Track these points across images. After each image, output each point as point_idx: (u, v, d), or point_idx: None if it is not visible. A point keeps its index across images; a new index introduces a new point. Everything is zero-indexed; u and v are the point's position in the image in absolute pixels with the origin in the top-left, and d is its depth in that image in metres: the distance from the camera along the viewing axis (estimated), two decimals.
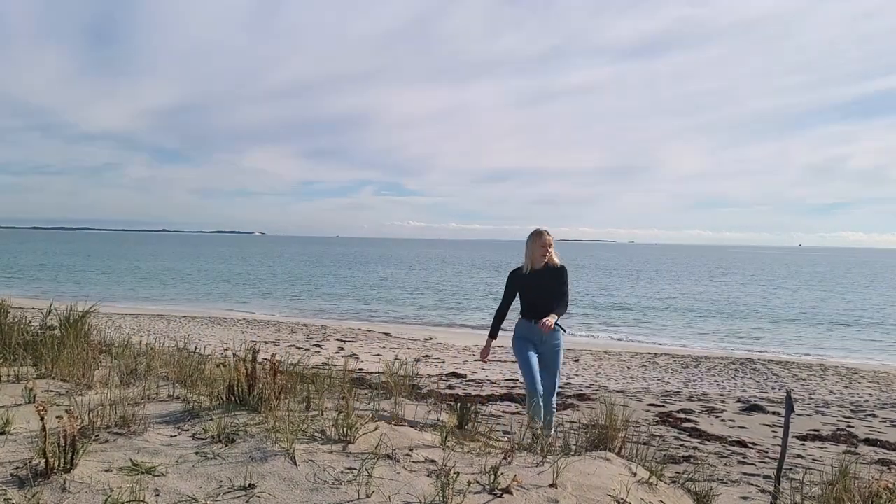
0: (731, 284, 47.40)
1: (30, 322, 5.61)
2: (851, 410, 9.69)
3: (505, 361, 14.21)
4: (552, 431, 4.49)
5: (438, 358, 14.31)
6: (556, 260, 4.86)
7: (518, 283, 4.92)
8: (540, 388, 4.64)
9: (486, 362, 4.71)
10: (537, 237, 4.83)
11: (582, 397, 9.58)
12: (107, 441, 3.08)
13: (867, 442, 7.52)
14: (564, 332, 4.95)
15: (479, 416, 4.19)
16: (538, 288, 4.82)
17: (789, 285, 47.76)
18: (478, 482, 2.85)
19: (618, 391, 10.63)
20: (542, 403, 4.61)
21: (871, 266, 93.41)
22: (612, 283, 47.00)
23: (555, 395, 4.87)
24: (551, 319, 4.61)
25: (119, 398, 3.52)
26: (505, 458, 3.14)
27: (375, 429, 3.39)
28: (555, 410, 4.89)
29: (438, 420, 3.90)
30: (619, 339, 20.47)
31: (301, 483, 2.71)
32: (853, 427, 8.39)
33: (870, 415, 9.34)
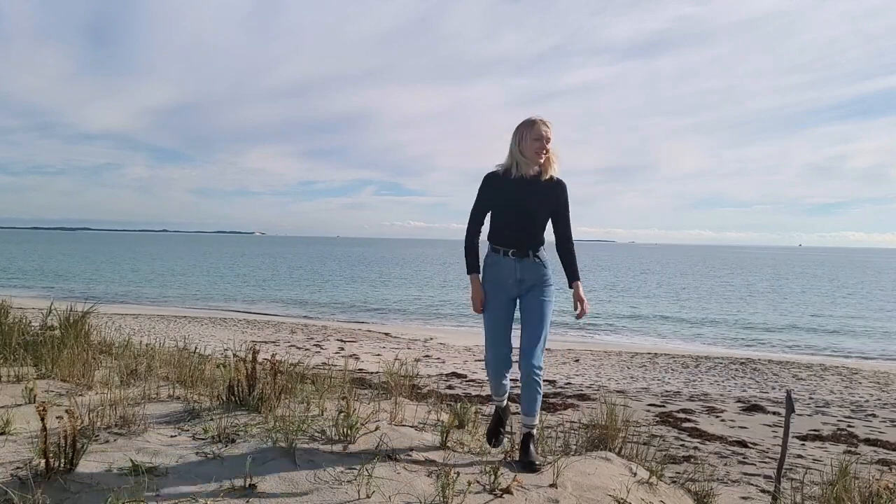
0: (736, 287, 47.20)
1: (30, 322, 5.62)
2: (852, 410, 9.69)
3: None
4: (535, 422, 3.42)
5: (439, 358, 14.31)
6: (557, 168, 3.36)
7: (496, 190, 3.34)
8: (506, 357, 3.41)
9: (481, 311, 3.40)
10: (532, 127, 3.26)
11: (582, 397, 9.59)
12: (107, 441, 3.08)
13: (867, 442, 7.52)
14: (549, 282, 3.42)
15: (480, 416, 4.19)
16: (525, 203, 3.28)
17: (795, 287, 47.08)
18: (478, 482, 2.86)
19: (618, 391, 10.63)
20: (507, 376, 3.47)
21: (875, 267, 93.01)
22: (619, 283, 46.94)
23: (537, 359, 3.33)
24: (585, 296, 3.36)
25: (119, 398, 3.52)
26: (505, 459, 3.14)
27: (376, 429, 3.39)
28: (539, 392, 3.42)
29: (438, 420, 3.90)
30: (620, 339, 20.47)
31: (301, 483, 2.71)
32: (853, 427, 8.38)
33: (870, 415, 9.34)
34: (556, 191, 3.36)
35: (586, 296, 3.41)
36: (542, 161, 3.28)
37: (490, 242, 3.41)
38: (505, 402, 3.63)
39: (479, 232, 3.45)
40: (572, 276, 3.44)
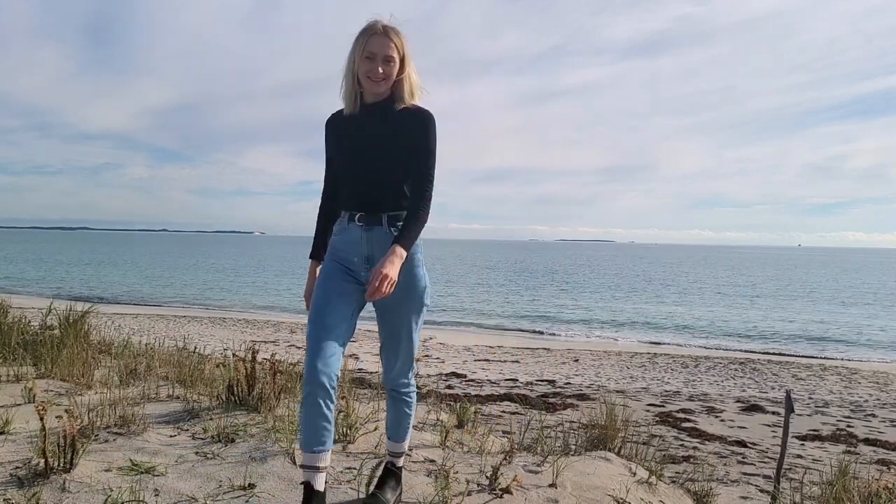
0: (740, 287, 46.97)
1: (29, 322, 5.61)
2: (851, 410, 9.70)
3: (504, 361, 14.22)
4: (402, 449, 2.62)
5: (438, 358, 14.32)
6: (415, 94, 2.34)
7: (337, 135, 2.43)
8: (328, 373, 2.15)
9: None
10: (366, 39, 2.25)
11: (582, 397, 9.59)
12: (106, 441, 3.08)
13: (867, 442, 7.53)
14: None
15: (479, 416, 4.20)
16: (364, 141, 2.33)
17: (800, 289, 45.86)
18: (478, 483, 2.86)
19: (618, 391, 10.63)
20: (330, 409, 2.18)
21: (877, 267, 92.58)
22: (621, 283, 46.88)
23: (401, 374, 2.52)
24: (391, 267, 2.15)
25: (119, 398, 3.52)
26: (505, 459, 3.14)
27: (375, 429, 3.40)
28: (410, 412, 2.59)
29: (438, 420, 3.90)
30: (620, 339, 20.48)
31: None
32: (853, 427, 8.40)
33: (869, 415, 9.35)
34: (413, 122, 2.31)
35: (396, 271, 2.18)
36: (380, 90, 2.28)
37: (339, 209, 2.46)
38: (321, 474, 2.22)
39: (331, 199, 2.50)
40: (398, 236, 2.26)
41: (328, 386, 2.15)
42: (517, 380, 11.64)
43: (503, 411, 7.76)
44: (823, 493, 3.32)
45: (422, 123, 2.33)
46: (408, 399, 2.58)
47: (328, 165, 2.50)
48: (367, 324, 2.68)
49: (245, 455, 2.96)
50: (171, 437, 3.22)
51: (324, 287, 2.33)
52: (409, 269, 2.32)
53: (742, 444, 7.11)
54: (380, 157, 2.31)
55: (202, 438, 3.20)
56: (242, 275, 49.28)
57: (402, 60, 2.30)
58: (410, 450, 3.21)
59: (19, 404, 3.65)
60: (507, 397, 9.10)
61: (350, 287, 2.35)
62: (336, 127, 2.43)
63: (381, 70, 2.24)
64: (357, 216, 2.36)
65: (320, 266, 2.45)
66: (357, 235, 2.36)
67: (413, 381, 2.58)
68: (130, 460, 2.81)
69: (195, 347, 6.08)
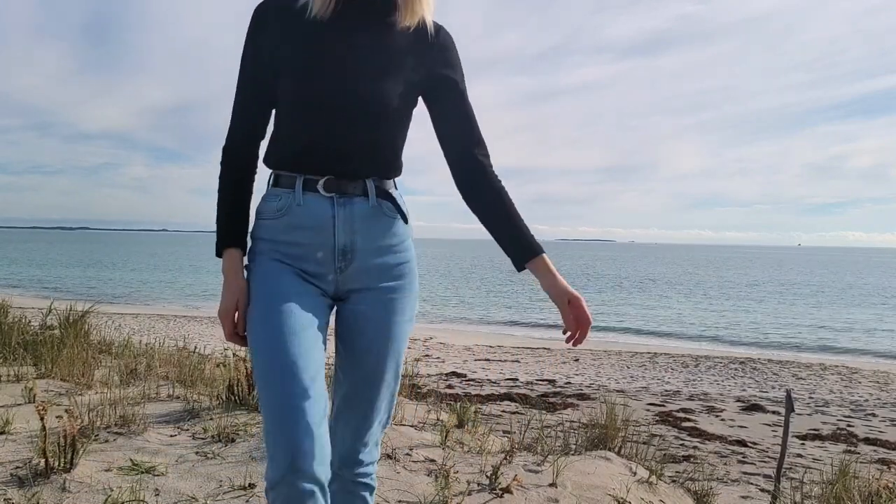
0: (742, 287, 46.96)
1: (30, 322, 5.62)
2: (851, 410, 9.70)
3: (504, 361, 14.22)
4: None
5: (438, 357, 14.31)
6: (429, 4, 1.39)
7: (286, 42, 1.36)
8: (314, 447, 1.18)
9: (230, 341, 1.37)
10: None
11: (582, 396, 9.59)
12: (107, 441, 3.08)
13: (867, 441, 7.53)
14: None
15: (480, 416, 4.19)
16: (354, 63, 1.35)
17: (804, 289, 45.20)
18: (478, 482, 2.86)
19: (618, 390, 10.63)
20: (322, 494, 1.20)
21: (880, 266, 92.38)
22: (624, 283, 46.90)
23: (369, 450, 1.48)
24: (585, 307, 1.38)
25: (119, 398, 3.52)
26: (505, 458, 3.14)
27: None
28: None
29: (438, 419, 3.90)
30: (619, 339, 20.48)
31: None
32: (853, 426, 8.39)
33: (870, 414, 9.35)
34: (433, 48, 1.46)
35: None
36: None
37: (272, 168, 1.46)
38: None
39: (249, 149, 1.45)
40: (527, 247, 1.46)
41: (322, 478, 1.21)
42: (517, 379, 11.64)
43: (503, 411, 7.76)
44: (824, 493, 3.32)
45: (450, 51, 1.49)
46: (372, 484, 1.51)
47: (249, 86, 1.43)
48: None
49: (245, 455, 2.96)
50: (171, 436, 3.22)
51: (278, 306, 1.32)
52: (408, 276, 1.49)
53: (742, 443, 7.11)
54: (382, 91, 1.38)
55: (202, 438, 3.20)
56: None
57: None
58: (411, 449, 3.21)
59: (19, 404, 3.65)
60: (507, 397, 9.09)
61: (315, 301, 1.40)
62: (289, 25, 1.38)
63: None
64: (321, 182, 1.38)
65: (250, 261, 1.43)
66: (324, 214, 1.38)
67: (376, 459, 1.53)
68: (130, 460, 2.81)
69: (195, 347, 6.08)
